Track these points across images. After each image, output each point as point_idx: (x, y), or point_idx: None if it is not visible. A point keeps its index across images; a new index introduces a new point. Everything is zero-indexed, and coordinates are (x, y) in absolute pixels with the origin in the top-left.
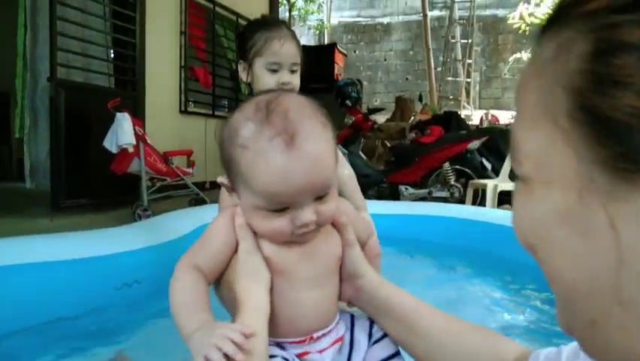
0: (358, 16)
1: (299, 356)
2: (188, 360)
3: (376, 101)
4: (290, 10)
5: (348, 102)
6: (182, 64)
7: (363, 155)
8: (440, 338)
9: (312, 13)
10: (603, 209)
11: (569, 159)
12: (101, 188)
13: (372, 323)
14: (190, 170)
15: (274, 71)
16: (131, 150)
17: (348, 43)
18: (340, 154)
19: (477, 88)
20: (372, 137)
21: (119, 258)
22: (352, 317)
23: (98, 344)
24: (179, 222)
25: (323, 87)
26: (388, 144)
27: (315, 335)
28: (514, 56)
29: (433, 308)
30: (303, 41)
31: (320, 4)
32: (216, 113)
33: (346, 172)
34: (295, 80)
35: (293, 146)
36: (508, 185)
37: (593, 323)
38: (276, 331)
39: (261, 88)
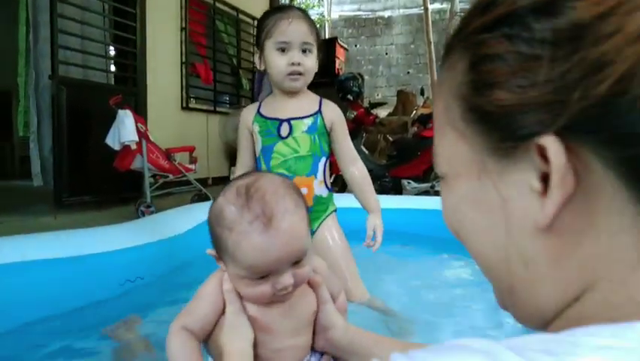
0: (359, 10)
1: None
2: None
3: (378, 95)
4: (290, 4)
5: (349, 97)
6: (183, 60)
7: (365, 149)
8: None
9: (313, 7)
10: (496, 187)
11: (467, 153)
12: (103, 185)
13: (335, 359)
14: (192, 166)
15: (283, 51)
16: (133, 146)
17: (349, 37)
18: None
19: None
20: (374, 131)
21: (122, 254)
22: (321, 354)
23: (101, 336)
24: (181, 219)
25: (324, 82)
26: (390, 139)
27: None
28: None
29: (392, 339)
30: None
31: None
32: (218, 109)
33: (356, 173)
34: (309, 62)
35: (270, 226)
36: None
37: (512, 289)
38: None
39: (273, 72)
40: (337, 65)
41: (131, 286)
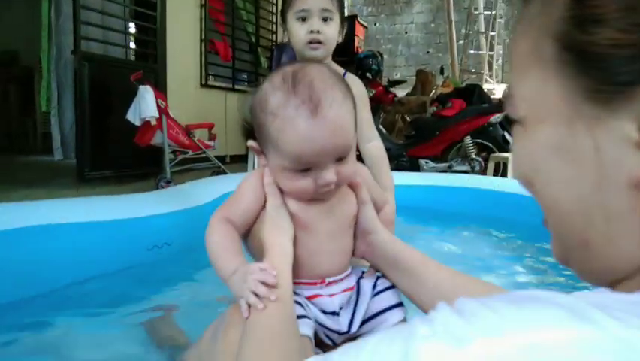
0: None
1: (310, 298)
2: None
3: (397, 74)
4: None
5: (368, 75)
6: (202, 37)
7: (383, 128)
8: (446, 289)
9: None
10: (589, 135)
11: (557, 95)
12: (124, 160)
13: (377, 278)
14: (212, 143)
15: (304, 20)
16: (153, 122)
17: (369, 16)
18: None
19: (500, 61)
20: (392, 111)
21: (150, 221)
22: (362, 272)
23: (130, 300)
24: (206, 189)
25: (343, 60)
26: (408, 118)
27: (327, 280)
28: None
29: (439, 263)
30: None
31: None
32: (236, 87)
33: (373, 150)
34: (329, 30)
35: (317, 114)
36: None
37: (586, 243)
38: (294, 272)
39: (294, 41)
40: (356, 43)
41: (159, 251)
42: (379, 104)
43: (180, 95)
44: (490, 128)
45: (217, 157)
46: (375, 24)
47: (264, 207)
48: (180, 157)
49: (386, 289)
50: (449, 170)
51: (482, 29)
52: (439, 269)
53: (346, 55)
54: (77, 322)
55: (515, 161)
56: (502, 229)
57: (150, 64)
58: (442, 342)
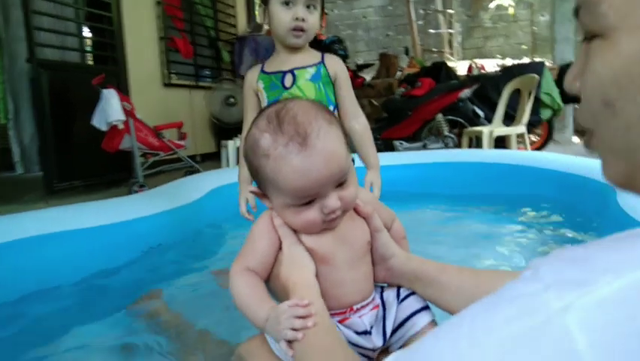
0: None
1: (340, 321)
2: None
3: (359, 59)
4: None
5: None
6: (161, 35)
7: None
8: (470, 290)
9: None
10: None
11: None
12: (93, 168)
13: (398, 287)
14: (183, 142)
15: (287, 4)
16: (121, 126)
17: (326, 2)
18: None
19: (459, 39)
20: (361, 95)
21: (141, 222)
22: (382, 287)
23: (126, 296)
24: (194, 186)
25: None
26: (375, 102)
27: (354, 307)
28: (495, 3)
29: (458, 267)
30: None
31: None
32: (200, 83)
33: (357, 127)
34: (312, 19)
35: (306, 146)
36: (502, 130)
37: None
38: None
39: (276, 26)
40: (318, 30)
41: (153, 252)
42: None
43: (144, 97)
44: (461, 103)
45: (188, 157)
46: (333, 10)
47: (280, 249)
48: (151, 160)
49: (409, 295)
50: (424, 149)
51: (440, 8)
52: (460, 273)
53: (310, 42)
54: (80, 320)
55: (594, 80)
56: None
57: (110, 66)
58: (565, 288)
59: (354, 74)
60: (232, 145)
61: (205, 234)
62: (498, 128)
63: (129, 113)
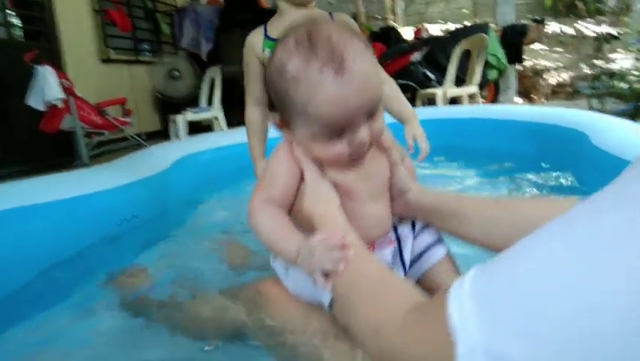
0: None
1: None
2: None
3: None
4: None
5: None
6: (96, 8)
7: None
8: (492, 216)
9: None
10: None
11: None
12: (33, 152)
13: (413, 221)
14: (128, 119)
15: None
16: (60, 105)
17: None
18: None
19: (402, 5)
20: None
21: (115, 194)
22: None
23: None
24: (162, 155)
25: (249, 18)
26: None
27: (376, 243)
28: None
29: (475, 196)
30: None
31: None
32: (140, 58)
33: (391, 93)
34: None
35: (343, 71)
36: (455, 91)
37: None
38: None
39: None
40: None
41: (128, 225)
42: None
43: (81, 74)
44: (412, 67)
45: (131, 136)
46: None
47: (301, 181)
48: (96, 140)
49: (423, 228)
50: None
51: None
52: (477, 202)
53: (252, 12)
54: (60, 303)
55: None
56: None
57: (43, 43)
58: None
59: None
60: (181, 119)
61: (178, 204)
62: (451, 89)
63: (69, 90)
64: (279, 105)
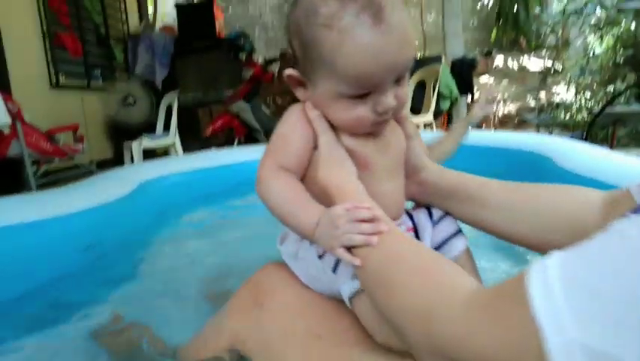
0: None
1: None
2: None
3: (258, 59)
4: None
5: (241, 55)
6: (45, 31)
7: (266, 109)
8: (519, 203)
9: None
10: None
11: None
12: None
13: (428, 208)
14: (79, 146)
15: None
16: (6, 130)
17: (220, 1)
18: None
19: None
20: (269, 92)
21: (76, 218)
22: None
23: (72, 308)
24: (123, 179)
25: (206, 45)
26: (279, 101)
27: None
28: None
29: (499, 181)
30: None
31: None
32: (92, 84)
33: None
34: None
35: (381, 20)
36: (413, 119)
37: None
38: None
39: None
40: (217, 27)
41: (93, 253)
42: (259, 84)
43: (30, 98)
44: None
45: (81, 165)
46: (228, 9)
47: (314, 147)
48: (44, 167)
49: (442, 217)
50: None
51: None
52: (499, 186)
53: (208, 39)
54: (20, 337)
55: None
56: None
57: None
58: None
59: (263, 69)
60: (137, 145)
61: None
62: (409, 118)
63: (16, 115)
64: (301, 57)
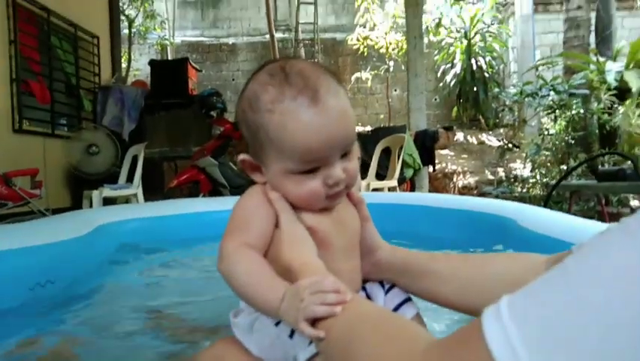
0: (202, 35)
1: None
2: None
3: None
4: (130, 27)
5: (213, 113)
6: (14, 77)
7: (233, 165)
8: (467, 273)
9: (155, 29)
10: None
11: None
12: None
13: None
14: (37, 191)
15: None
16: None
17: (195, 62)
18: None
19: None
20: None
21: (28, 253)
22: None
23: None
24: (80, 220)
25: (178, 102)
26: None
27: None
28: (355, 75)
29: (447, 254)
30: (144, 60)
31: (162, 22)
32: (56, 132)
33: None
34: None
35: (318, 100)
36: (377, 183)
37: None
38: None
39: None
40: (190, 86)
41: (42, 291)
42: (229, 141)
43: None
44: None
45: (37, 211)
46: (202, 70)
47: (275, 226)
48: None
49: (392, 286)
50: None
51: None
52: (449, 259)
53: (181, 97)
54: None
55: None
56: None
57: None
58: None
59: (235, 128)
60: (97, 195)
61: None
62: (374, 182)
63: None
64: (251, 142)
